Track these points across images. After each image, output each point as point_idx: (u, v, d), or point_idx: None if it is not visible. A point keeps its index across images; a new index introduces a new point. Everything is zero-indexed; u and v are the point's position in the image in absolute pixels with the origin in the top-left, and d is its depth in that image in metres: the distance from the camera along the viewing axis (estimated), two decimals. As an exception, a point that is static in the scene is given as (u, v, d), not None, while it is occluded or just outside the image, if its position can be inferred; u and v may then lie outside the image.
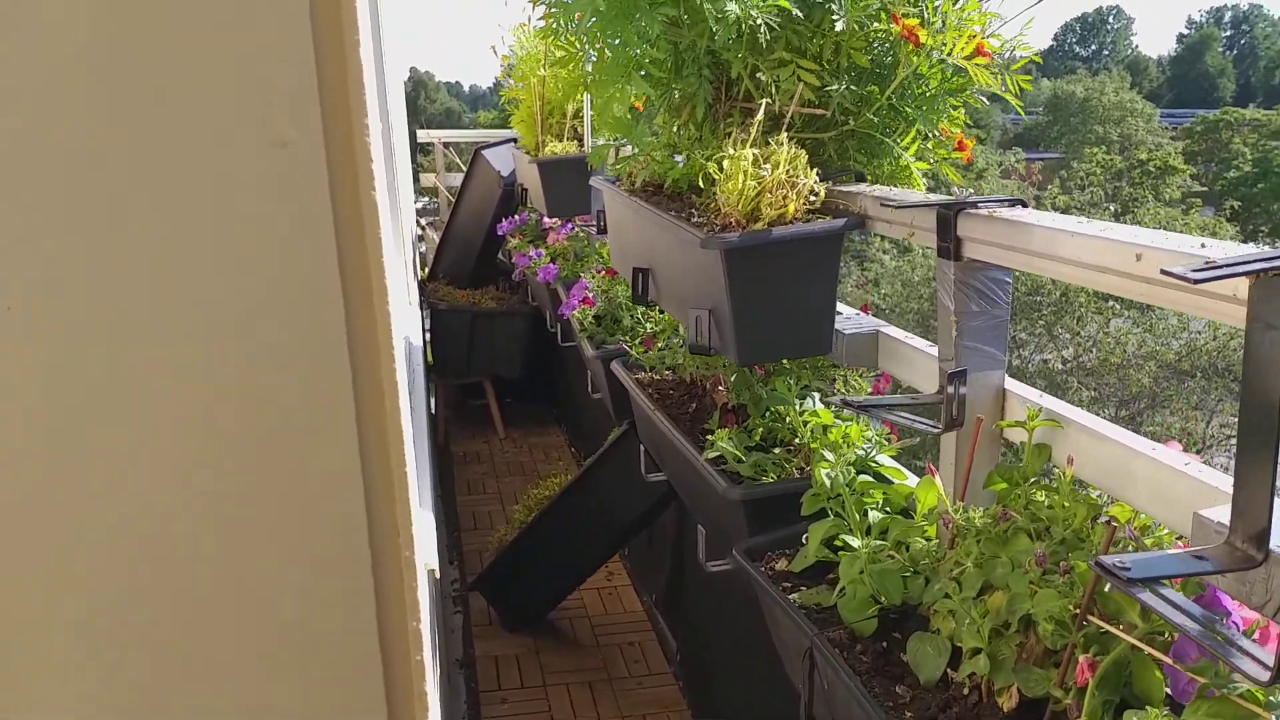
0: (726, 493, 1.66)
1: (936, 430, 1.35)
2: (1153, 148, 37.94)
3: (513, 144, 4.35)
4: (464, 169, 5.36)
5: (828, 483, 1.44)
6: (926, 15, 1.69)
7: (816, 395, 1.88)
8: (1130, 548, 1.11)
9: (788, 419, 1.86)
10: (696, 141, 1.88)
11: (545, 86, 3.56)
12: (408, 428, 1.30)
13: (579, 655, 3.24)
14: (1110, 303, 17.33)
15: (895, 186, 1.83)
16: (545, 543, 3.11)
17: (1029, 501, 1.23)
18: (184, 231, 1.06)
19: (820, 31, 1.70)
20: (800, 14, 1.63)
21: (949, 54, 1.66)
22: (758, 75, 1.73)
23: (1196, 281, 0.79)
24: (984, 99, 1.87)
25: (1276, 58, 79.52)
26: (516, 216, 4.48)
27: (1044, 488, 1.25)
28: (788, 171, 1.56)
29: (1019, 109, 1.75)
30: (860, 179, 1.79)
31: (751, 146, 1.63)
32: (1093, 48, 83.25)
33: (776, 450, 1.81)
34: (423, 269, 5.35)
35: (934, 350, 1.55)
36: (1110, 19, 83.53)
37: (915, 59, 1.68)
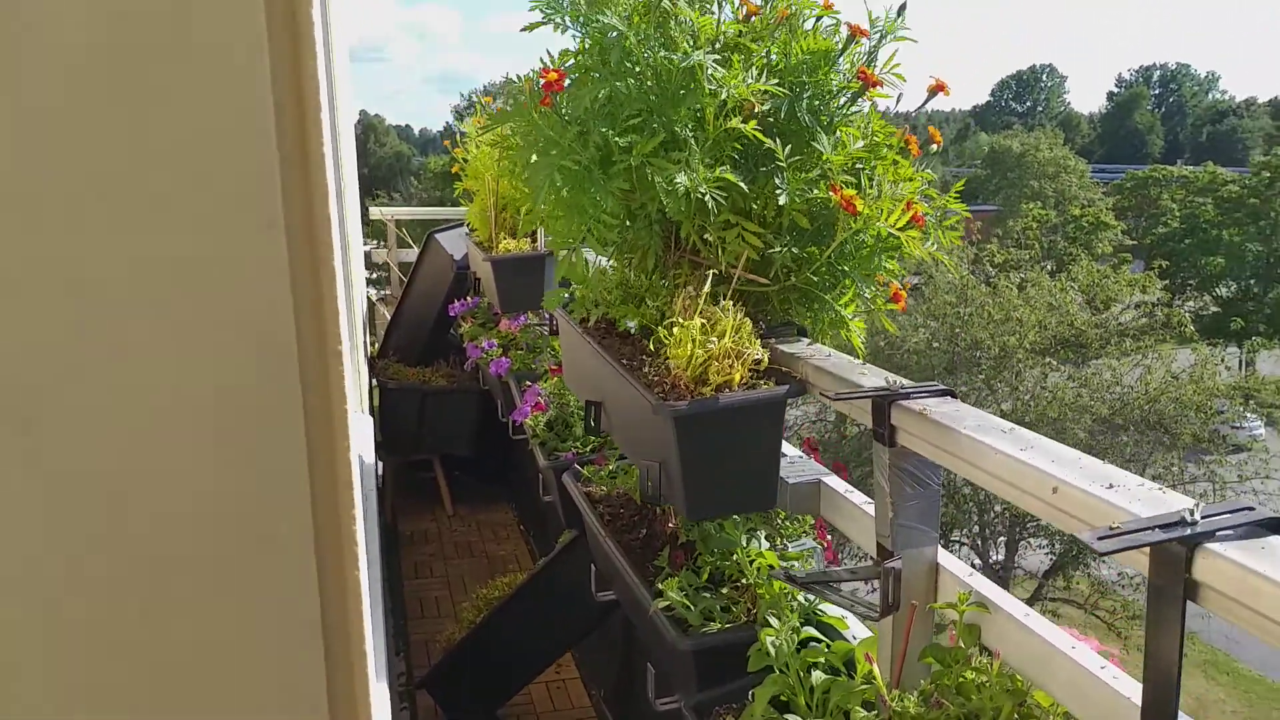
0: (676, 642, 1.71)
1: (874, 617, 1.42)
2: (1085, 203, 39.31)
3: (466, 228, 4.41)
4: (413, 244, 5.41)
5: (772, 651, 1.50)
6: (864, 186, 1.79)
7: (762, 534, 1.95)
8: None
9: (735, 557, 1.93)
10: (648, 290, 1.96)
11: (499, 184, 3.63)
12: (366, 605, 1.34)
13: (526, 754, 3.24)
14: (1047, 359, 17.83)
15: (838, 334, 1.93)
16: (494, 644, 3.12)
17: (958, 685, 1.31)
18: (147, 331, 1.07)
19: (764, 197, 1.79)
20: (745, 186, 1.71)
21: (884, 221, 1.76)
22: (705, 236, 1.82)
23: (1101, 554, 0.88)
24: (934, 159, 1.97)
25: (1202, 116, 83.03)
26: (469, 299, 4.53)
27: (973, 669, 1.32)
28: (734, 340, 1.64)
29: (950, 267, 1.86)
30: (802, 333, 1.88)
31: (700, 307, 1.71)
32: (1028, 104, 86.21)
33: (724, 590, 1.87)
34: (373, 345, 5.35)
35: (869, 508, 1.63)
36: (1044, 76, 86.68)
37: (852, 225, 1.78)
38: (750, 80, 1.69)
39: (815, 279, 1.86)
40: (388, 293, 6.14)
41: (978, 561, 17.03)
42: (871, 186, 1.80)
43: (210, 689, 1.23)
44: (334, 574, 1.30)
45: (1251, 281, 33.03)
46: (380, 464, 4.71)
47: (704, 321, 1.66)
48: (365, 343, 4.91)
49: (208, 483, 1.16)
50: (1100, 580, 16.72)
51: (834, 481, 1.80)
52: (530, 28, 1.83)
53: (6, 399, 1.02)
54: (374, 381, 4.80)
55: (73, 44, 0.98)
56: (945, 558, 1.46)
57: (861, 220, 1.77)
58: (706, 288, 1.70)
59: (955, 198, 1.95)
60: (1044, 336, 17.68)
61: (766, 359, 1.68)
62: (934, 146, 2.01)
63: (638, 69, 1.67)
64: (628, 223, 1.92)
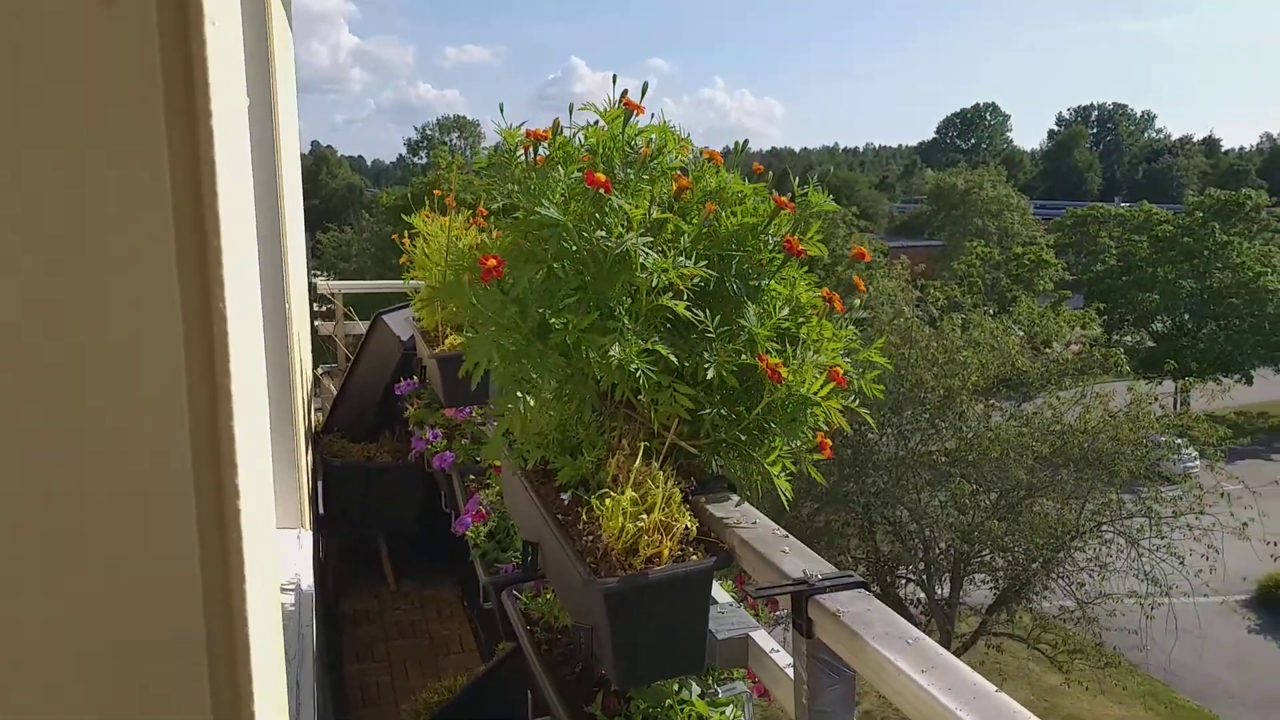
0: (606, 801, 1.77)
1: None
2: (1027, 241, 40.35)
3: (413, 314, 4.45)
4: (356, 317, 5.42)
5: (697, 826, 1.56)
6: (788, 353, 1.88)
7: (692, 684, 2.01)
8: None
9: (667, 703, 1.99)
10: (584, 440, 2.03)
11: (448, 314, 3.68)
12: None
13: None
14: (990, 400, 18.21)
15: (766, 483, 2.01)
16: (435, 751, 3.14)
17: None
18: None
19: (694, 359, 1.88)
20: (674, 358, 1.79)
21: (806, 389, 1.85)
22: (639, 396, 1.89)
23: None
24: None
25: (1139, 153, 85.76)
26: (416, 379, 4.56)
27: None
28: (664, 513, 1.71)
29: (873, 424, 1.95)
30: (731, 487, 1.96)
31: (633, 473, 1.78)
32: (972, 141, 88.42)
33: (656, 737, 1.93)
34: (318, 419, 5.35)
35: (791, 671, 1.70)
36: (987, 115, 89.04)
37: (778, 390, 1.86)
38: (682, 260, 1.77)
39: (744, 436, 1.95)
40: (335, 365, 6.14)
41: (923, 596, 17.26)
42: (796, 352, 1.89)
43: None
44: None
45: (1185, 317, 34.08)
46: (321, 542, 4.70)
47: (635, 494, 1.73)
48: (309, 419, 4.91)
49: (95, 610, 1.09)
50: (1042, 614, 17.02)
51: (761, 638, 1.88)
52: (480, 160, 1.90)
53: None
54: (318, 459, 4.80)
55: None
56: (861, 736, 1.53)
57: (786, 385, 1.87)
58: (639, 459, 1.77)
59: (877, 350, 2.05)
60: (986, 377, 18.05)
61: (695, 527, 1.75)
62: (857, 301, 2.12)
63: (574, 250, 1.75)
64: (569, 378, 2.00)
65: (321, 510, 4.70)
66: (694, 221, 1.90)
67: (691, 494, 1.89)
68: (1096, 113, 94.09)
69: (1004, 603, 16.87)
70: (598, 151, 1.91)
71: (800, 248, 1.93)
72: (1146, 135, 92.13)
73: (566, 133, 1.97)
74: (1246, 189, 37.55)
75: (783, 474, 1.97)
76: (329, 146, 65.62)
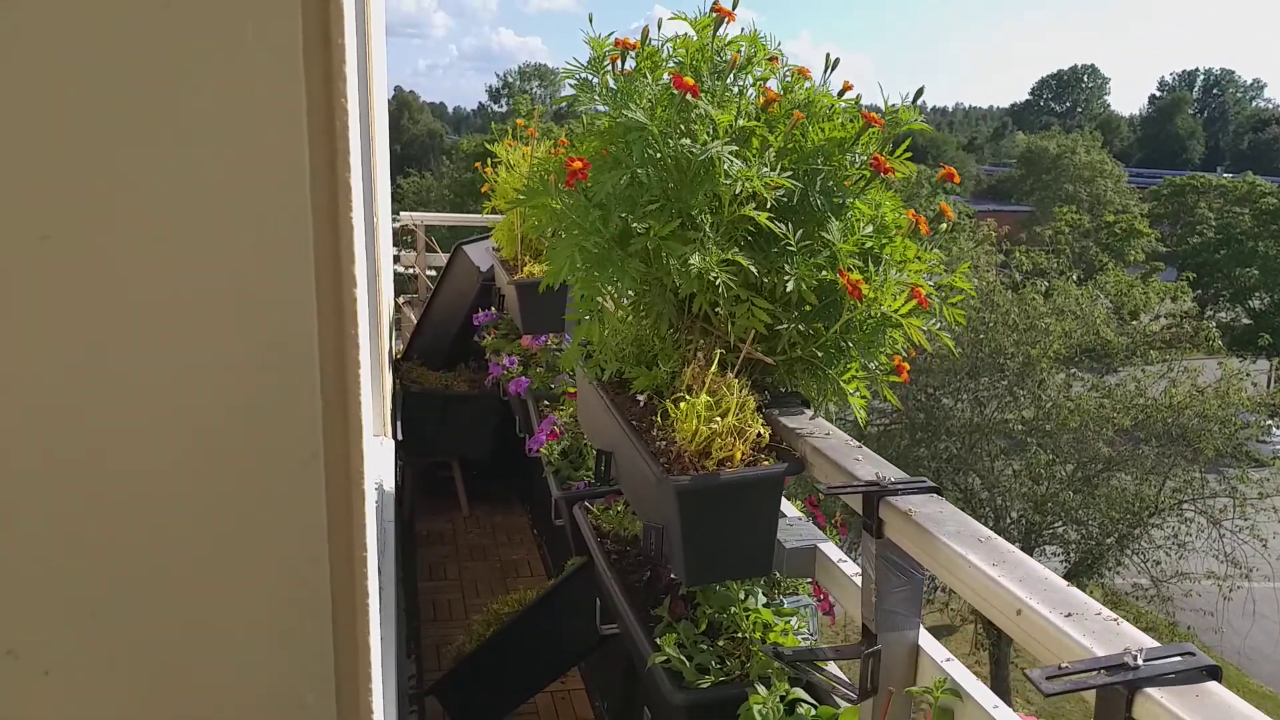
0: (670, 695, 1.82)
1: (853, 700, 1.52)
2: (1120, 209, 38.88)
3: (492, 244, 4.51)
4: (438, 248, 5.51)
5: (759, 718, 1.61)
6: (871, 271, 1.87)
7: (759, 591, 2.05)
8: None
9: (733, 610, 2.03)
10: (660, 352, 2.05)
11: (529, 227, 3.72)
12: (376, 631, 1.45)
13: (529, 763, 3.37)
14: (1071, 369, 17.75)
15: (842, 404, 2.02)
16: (502, 658, 3.25)
17: (930, 766, 1.41)
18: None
19: (774, 275, 1.88)
20: (755, 269, 1.80)
21: (888, 306, 1.85)
22: (716, 308, 1.91)
23: (1048, 694, 0.97)
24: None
25: (1245, 123, 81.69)
26: (493, 310, 4.64)
27: (944, 752, 1.42)
28: (737, 418, 1.73)
29: (951, 348, 1.94)
30: (805, 403, 1.97)
31: (708, 381, 1.80)
32: (1067, 104, 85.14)
33: (721, 642, 1.98)
34: (398, 348, 5.48)
35: (859, 578, 1.72)
36: (1085, 78, 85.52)
37: (858, 306, 1.86)
38: (765, 170, 1.77)
39: (820, 354, 1.95)
40: (415, 296, 6.27)
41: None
42: (878, 270, 1.88)
43: (216, 684, 1.33)
44: (345, 607, 1.40)
45: (1286, 294, 32.62)
46: (400, 464, 4.84)
47: (710, 398, 1.75)
48: (390, 348, 5.04)
49: (229, 503, 1.25)
50: (1114, 590, 16.70)
51: (829, 549, 1.90)
52: (559, 101, 1.92)
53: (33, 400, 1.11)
54: (397, 384, 4.93)
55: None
56: (926, 641, 1.55)
57: (867, 302, 1.86)
58: (714, 367, 1.79)
59: (962, 276, 2.02)
60: (1068, 345, 17.57)
61: (768, 435, 1.77)
62: (944, 224, 2.09)
63: (659, 157, 1.76)
64: (645, 287, 2.02)
65: (400, 435, 4.84)
66: (780, 135, 1.89)
67: (765, 408, 1.91)
68: (1202, 78, 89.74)
69: (1075, 576, 16.56)
70: (685, 61, 1.91)
71: (888, 166, 1.92)
72: (1255, 103, 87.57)
73: (655, 44, 1.97)
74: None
75: (857, 393, 1.98)
76: (411, 92, 66.27)
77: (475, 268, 4.73)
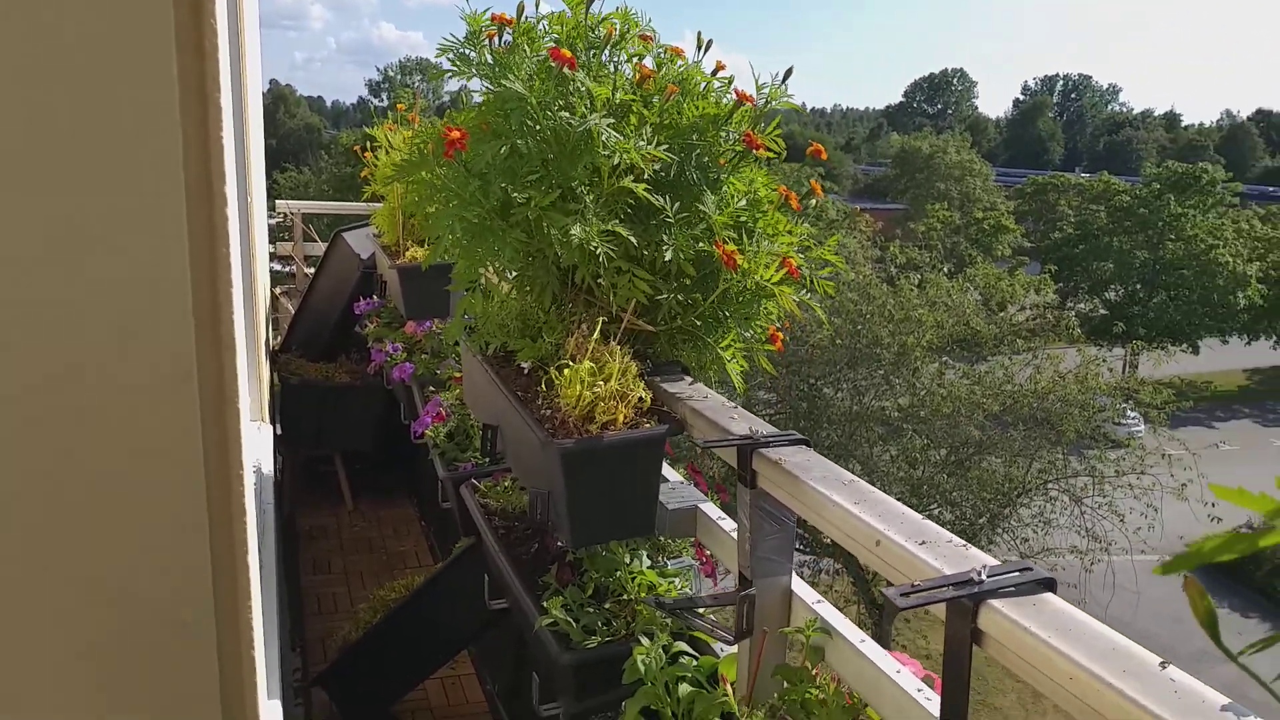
0: (557, 656, 1.86)
1: (730, 641, 1.59)
2: (988, 206, 40.75)
3: (373, 230, 4.45)
4: (317, 237, 5.40)
5: (643, 667, 1.66)
6: (744, 242, 1.95)
7: (644, 553, 2.10)
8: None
9: (618, 574, 2.08)
10: (545, 324, 2.09)
11: (409, 203, 3.69)
12: (258, 609, 1.46)
13: (420, 749, 3.35)
14: (944, 358, 18.54)
15: (719, 372, 2.09)
16: (390, 645, 3.23)
17: (802, 702, 1.49)
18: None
19: (654, 246, 1.94)
20: (635, 240, 1.86)
21: (761, 275, 1.93)
22: (599, 279, 1.95)
23: (901, 608, 1.05)
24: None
25: (1101, 126, 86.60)
26: (375, 298, 4.58)
27: (816, 688, 1.50)
28: (620, 383, 1.78)
29: (825, 322, 2.04)
30: (685, 370, 2.03)
31: (591, 349, 1.85)
32: (938, 106, 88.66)
33: (607, 605, 2.03)
34: (276, 339, 5.34)
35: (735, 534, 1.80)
36: (955, 81, 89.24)
37: (733, 276, 1.94)
38: (642, 144, 1.82)
39: (699, 323, 2.02)
40: (293, 286, 6.12)
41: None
42: (752, 242, 1.96)
43: (104, 686, 1.34)
44: (226, 586, 1.41)
45: (1138, 287, 34.77)
46: (279, 459, 4.72)
47: (593, 364, 1.80)
48: (268, 337, 4.91)
49: (103, 488, 1.26)
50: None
51: (709, 508, 1.97)
52: (436, 76, 1.94)
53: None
54: (275, 377, 4.81)
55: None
56: (799, 586, 1.63)
57: (741, 273, 1.94)
58: (597, 333, 1.84)
59: (831, 250, 2.13)
60: (940, 335, 18.35)
61: (649, 399, 1.83)
62: (813, 201, 2.19)
63: (538, 128, 1.79)
64: (530, 261, 2.05)
65: (278, 430, 4.73)
66: (656, 110, 1.95)
67: (647, 376, 1.96)
68: (1061, 84, 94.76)
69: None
70: (561, 37, 1.95)
71: (759, 142, 2.00)
72: (1110, 107, 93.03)
73: (531, 19, 2.00)
74: (1204, 163, 38.21)
75: (735, 360, 2.06)
76: (288, 85, 64.19)
77: (355, 255, 4.65)
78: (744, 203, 2.01)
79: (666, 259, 1.86)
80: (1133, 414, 20.64)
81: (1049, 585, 1.10)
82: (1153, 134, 77.98)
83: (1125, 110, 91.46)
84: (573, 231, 1.79)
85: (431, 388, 3.69)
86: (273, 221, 6.46)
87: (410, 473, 5.40)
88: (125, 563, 1.33)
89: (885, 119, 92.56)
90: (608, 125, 1.80)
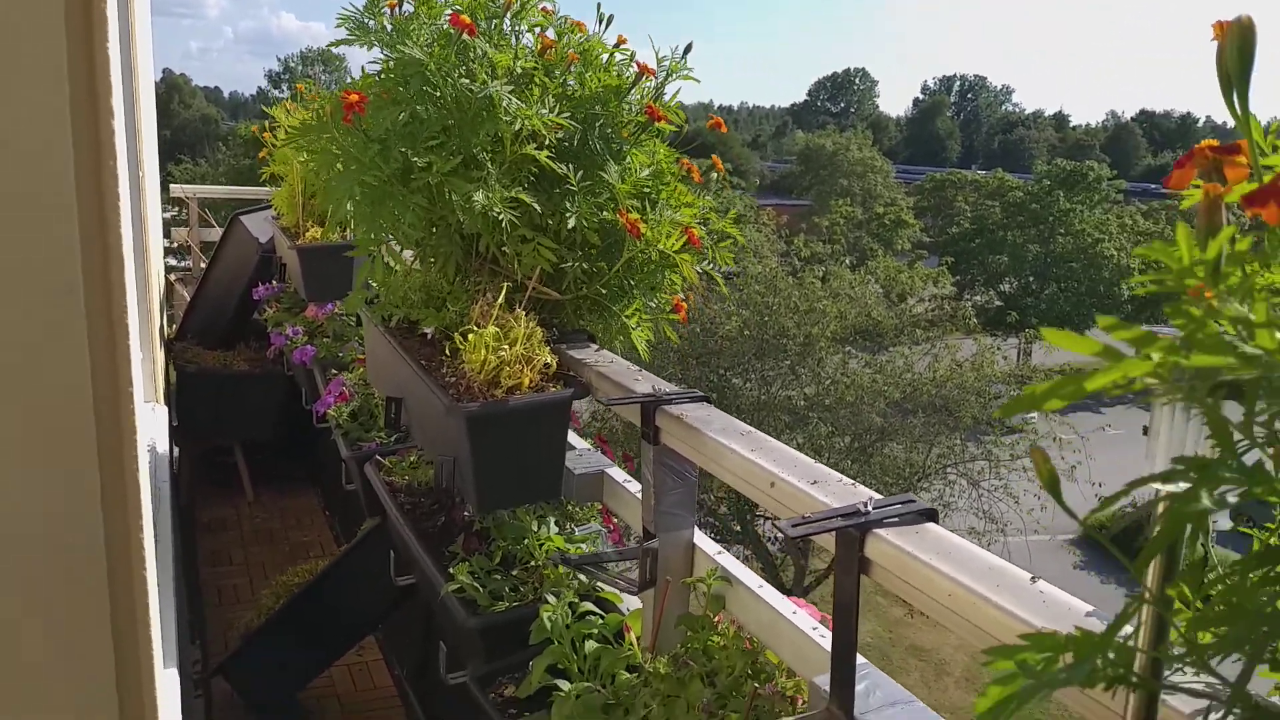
0: (464, 621, 1.86)
1: (633, 591, 1.62)
2: (889, 202, 41.86)
3: (272, 212, 4.35)
4: (214, 223, 5.25)
5: (549, 625, 1.68)
6: (647, 211, 1.99)
7: (552, 520, 2.12)
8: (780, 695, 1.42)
9: (525, 541, 2.10)
10: (449, 294, 2.09)
11: (308, 171, 3.62)
12: (154, 597, 1.43)
13: (327, 736, 3.30)
14: (847, 348, 19.02)
15: (624, 340, 2.13)
16: (294, 628, 3.17)
17: (705, 646, 1.53)
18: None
19: (559, 215, 1.96)
20: (538, 207, 1.87)
21: (664, 244, 1.97)
22: (503, 248, 1.97)
23: (792, 536, 1.10)
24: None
25: (996, 125, 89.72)
26: (274, 283, 4.48)
27: (718, 634, 1.55)
28: (525, 347, 1.80)
29: (724, 289, 2.09)
30: (591, 338, 2.06)
31: (496, 315, 1.86)
32: (841, 105, 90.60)
33: (515, 572, 2.04)
34: (171, 327, 5.17)
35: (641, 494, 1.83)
36: (857, 80, 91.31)
37: (637, 245, 1.97)
38: (544, 111, 1.84)
39: (604, 291, 2.05)
40: (189, 272, 5.92)
41: (780, 535, 17.99)
42: (655, 212, 2.00)
43: None
44: (121, 566, 1.39)
45: (1030, 279, 36.19)
46: (177, 450, 4.58)
47: (498, 329, 1.81)
48: (162, 325, 4.76)
49: None
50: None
51: (615, 472, 2.00)
52: (336, 44, 1.92)
53: None
54: (171, 366, 4.66)
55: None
56: (700, 539, 1.68)
57: (645, 242, 1.97)
58: (501, 298, 1.85)
59: (731, 223, 2.18)
60: (844, 326, 18.81)
61: (555, 364, 1.85)
62: (715, 174, 2.24)
63: (438, 94, 1.79)
64: (432, 229, 2.05)
65: (175, 421, 4.58)
66: (559, 80, 1.97)
67: (553, 344, 1.98)
68: (958, 84, 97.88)
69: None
70: (462, 5, 1.95)
71: (661, 114, 2.04)
72: (1004, 107, 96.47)
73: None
74: (1090, 161, 39.99)
75: (640, 327, 2.09)
76: (182, 75, 61.80)
77: (254, 239, 4.53)
78: (647, 173, 2.04)
79: (570, 227, 1.88)
80: (1026, 401, 21.46)
81: (931, 515, 1.17)
82: (1043, 133, 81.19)
83: (1018, 111, 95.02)
84: (476, 198, 1.80)
85: (334, 371, 3.63)
86: (168, 215, 6.26)
87: (313, 462, 5.30)
88: (17, 545, 1.30)
89: (791, 117, 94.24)
90: (509, 93, 1.81)
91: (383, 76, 1.90)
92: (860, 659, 1.20)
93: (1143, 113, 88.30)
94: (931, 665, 16.96)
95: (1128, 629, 0.56)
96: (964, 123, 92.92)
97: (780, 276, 19.30)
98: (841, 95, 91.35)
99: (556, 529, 2.12)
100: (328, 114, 1.84)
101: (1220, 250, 0.46)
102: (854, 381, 17.91)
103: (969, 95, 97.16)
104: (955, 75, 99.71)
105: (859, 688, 1.19)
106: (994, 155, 78.60)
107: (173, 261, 6.38)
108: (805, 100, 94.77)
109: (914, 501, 1.17)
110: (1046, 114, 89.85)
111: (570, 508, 2.15)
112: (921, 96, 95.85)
